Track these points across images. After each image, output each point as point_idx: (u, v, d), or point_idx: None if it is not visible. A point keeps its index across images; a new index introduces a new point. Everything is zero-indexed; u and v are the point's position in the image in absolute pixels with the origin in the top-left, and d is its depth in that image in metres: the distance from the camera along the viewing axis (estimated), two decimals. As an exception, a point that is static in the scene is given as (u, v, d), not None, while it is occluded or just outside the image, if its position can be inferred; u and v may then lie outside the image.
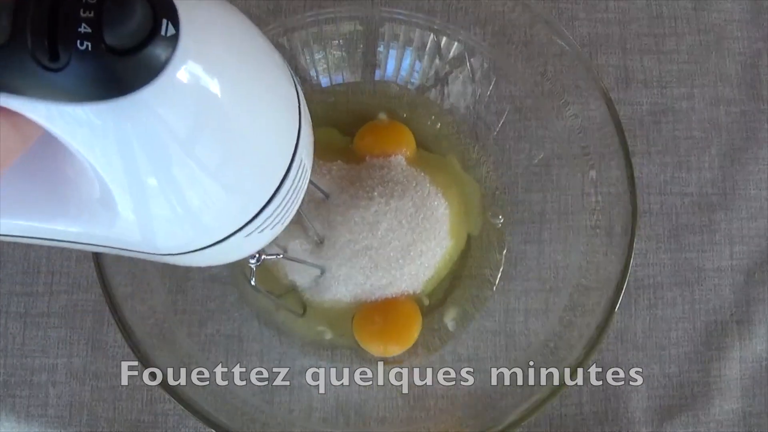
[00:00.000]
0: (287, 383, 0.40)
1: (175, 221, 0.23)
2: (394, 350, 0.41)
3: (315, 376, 0.40)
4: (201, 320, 0.40)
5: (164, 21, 0.19)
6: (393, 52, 0.44)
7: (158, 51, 0.19)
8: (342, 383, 0.40)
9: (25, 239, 0.25)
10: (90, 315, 0.43)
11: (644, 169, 0.46)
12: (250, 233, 0.25)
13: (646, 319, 0.44)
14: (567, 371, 0.35)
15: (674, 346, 0.43)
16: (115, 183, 0.21)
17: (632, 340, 0.43)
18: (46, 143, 0.22)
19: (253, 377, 0.40)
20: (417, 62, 0.44)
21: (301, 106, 0.25)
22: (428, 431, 0.39)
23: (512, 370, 0.39)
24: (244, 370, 0.40)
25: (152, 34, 0.19)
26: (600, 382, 0.43)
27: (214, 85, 0.21)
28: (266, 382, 0.40)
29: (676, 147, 0.46)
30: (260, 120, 0.23)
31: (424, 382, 0.40)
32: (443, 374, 0.40)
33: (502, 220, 0.43)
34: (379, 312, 0.41)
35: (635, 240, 0.37)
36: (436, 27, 0.42)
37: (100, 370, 0.42)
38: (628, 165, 0.37)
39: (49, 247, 0.43)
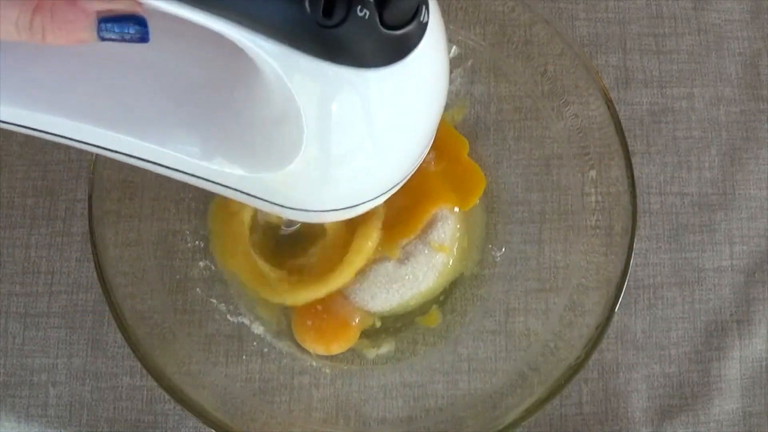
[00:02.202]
0: (287, 383, 0.40)
1: (344, 181, 0.25)
2: (336, 348, 0.41)
3: (315, 376, 0.40)
4: (201, 320, 0.40)
5: (423, 8, 0.21)
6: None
7: (414, 33, 0.21)
8: (342, 383, 0.40)
9: (183, 175, 0.25)
10: (90, 315, 0.43)
11: (644, 169, 0.46)
12: (378, 197, 0.26)
13: (646, 319, 0.44)
14: (567, 371, 0.35)
15: (674, 346, 0.43)
16: (313, 135, 0.22)
17: (632, 340, 0.43)
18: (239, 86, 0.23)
19: (252, 377, 0.40)
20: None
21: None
22: (428, 431, 0.39)
23: (512, 370, 0.39)
24: (244, 369, 0.40)
25: (413, 17, 0.20)
26: (600, 382, 0.43)
27: (434, 70, 0.23)
28: (266, 382, 0.40)
29: (676, 147, 0.46)
30: (438, 105, 0.25)
31: (424, 382, 0.40)
32: (443, 374, 0.40)
33: (503, 252, 0.43)
34: (313, 311, 0.41)
35: (635, 240, 0.37)
36: (436, 27, 0.42)
37: (100, 370, 0.42)
38: (628, 165, 0.37)
39: (50, 245, 0.43)
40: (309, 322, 0.41)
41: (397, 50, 0.21)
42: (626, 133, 0.38)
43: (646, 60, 0.47)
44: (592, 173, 0.40)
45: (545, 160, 0.42)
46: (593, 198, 0.40)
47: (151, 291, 0.38)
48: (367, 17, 0.19)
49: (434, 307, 0.42)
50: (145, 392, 0.42)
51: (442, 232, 0.41)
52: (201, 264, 0.41)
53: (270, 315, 0.42)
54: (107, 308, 0.36)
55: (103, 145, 0.25)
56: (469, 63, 0.43)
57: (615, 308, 0.36)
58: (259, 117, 0.23)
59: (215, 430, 0.34)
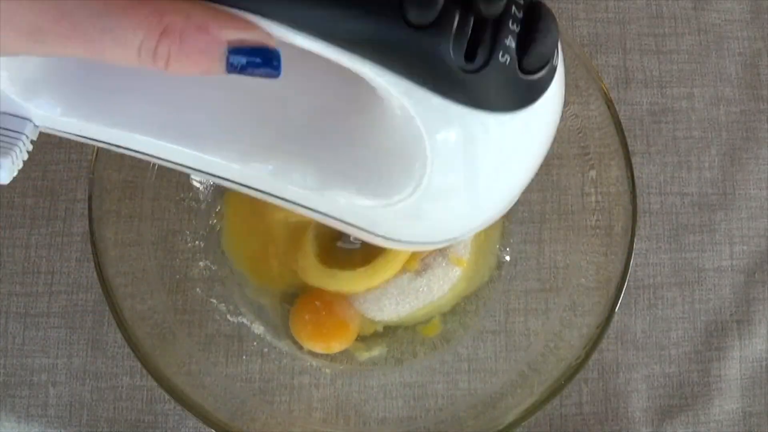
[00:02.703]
0: (287, 383, 0.40)
1: (445, 217, 0.24)
2: (332, 347, 0.41)
3: (315, 376, 0.40)
4: (201, 320, 0.40)
5: (556, 52, 0.21)
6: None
7: (547, 77, 0.21)
8: (342, 383, 0.40)
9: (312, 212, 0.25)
10: (90, 315, 0.43)
11: (644, 169, 0.46)
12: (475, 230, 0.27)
13: (646, 319, 0.44)
14: (567, 371, 0.35)
15: (674, 346, 0.43)
16: (433, 171, 0.22)
17: (632, 340, 0.43)
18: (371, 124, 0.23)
19: (252, 377, 0.40)
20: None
21: None
22: (428, 431, 0.39)
23: (512, 370, 0.39)
24: (244, 369, 0.40)
25: (548, 61, 0.21)
26: (600, 382, 0.43)
27: (557, 111, 0.23)
28: (266, 382, 0.40)
29: (676, 147, 0.46)
30: (546, 144, 0.25)
31: (424, 382, 0.40)
32: (443, 374, 0.40)
33: (509, 251, 0.43)
34: (313, 307, 0.41)
35: (635, 240, 0.37)
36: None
37: (100, 370, 0.42)
38: (628, 165, 0.37)
39: (50, 245, 0.43)
40: (307, 317, 0.41)
41: (530, 94, 0.21)
42: (626, 133, 0.38)
43: (646, 60, 0.47)
44: (592, 173, 0.40)
45: (545, 160, 0.42)
46: (593, 198, 0.40)
47: (151, 291, 0.38)
48: (507, 63, 0.19)
49: (437, 317, 0.42)
50: (145, 392, 0.42)
51: (458, 246, 0.41)
52: (201, 264, 0.41)
53: (272, 310, 0.42)
54: (107, 308, 0.36)
55: (211, 172, 0.24)
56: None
57: (615, 308, 0.36)
58: (377, 147, 0.23)
59: (215, 430, 0.34)
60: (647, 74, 0.47)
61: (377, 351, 0.41)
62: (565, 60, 0.39)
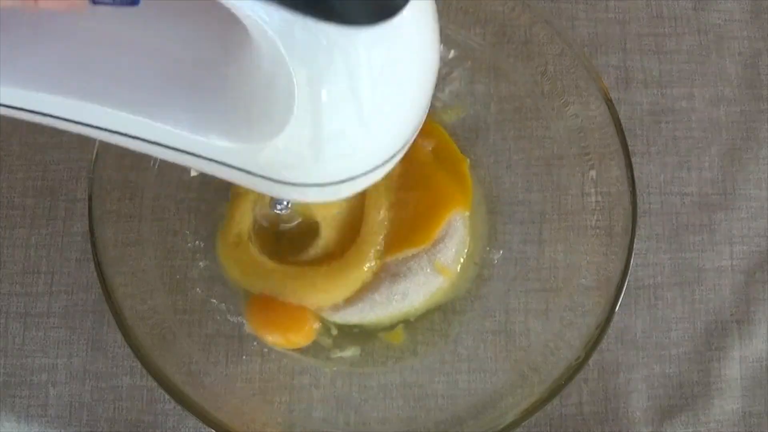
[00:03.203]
0: (287, 383, 0.40)
1: (333, 151, 0.24)
2: (296, 340, 0.40)
3: (315, 376, 0.40)
4: (201, 320, 0.40)
5: None
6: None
7: None
8: (342, 383, 0.40)
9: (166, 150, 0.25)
10: (90, 315, 0.43)
11: (644, 169, 0.46)
12: (377, 169, 0.26)
13: (646, 319, 0.44)
14: (567, 371, 0.35)
15: (674, 346, 0.43)
16: (303, 98, 0.22)
17: (632, 340, 0.43)
18: (221, 55, 0.23)
19: (253, 377, 0.40)
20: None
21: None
22: (428, 431, 0.39)
23: (512, 370, 0.39)
24: (244, 369, 0.40)
25: None
26: (600, 382, 0.43)
27: (423, 35, 0.23)
28: (266, 382, 0.40)
29: (676, 147, 0.46)
30: (429, 72, 0.25)
31: (424, 382, 0.40)
32: (443, 374, 0.40)
33: (503, 252, 0.42)
34: (266, 299, 0.40)
35: (635, 240, 0.37)
36: (436, 27, 0.42)
37: (100, 370, 0.42)
38: (628, 165, 0.37)
39: (50, 245, 0.43)
40: (260, 308, 0.40)
41: (384, 8, 0.21)
42: (626, 133, 0.38)
43: (646, 60, 0.47)
44: (592, 173, 0.40)
45: (545, 160, 0.42)
46: (593, 198, 0.40)
47: (151, 291, 0.38)
48: None
49: (400, 325, 0.41)
50: (145, 392, 0.42)
51: (448, 252, 0.41)
52: (201, 264, 0.41)
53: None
54: (107, 308, 0.36)
55: (94, 123, 0.24)
56: (469, 63, 0.43)
57: (615, 308, 0.36)
58: (250, 87, 0.23)
59: (215, 430, 0.34)
60: (647, 74, 0.47)
61: (349, 352, 0.41)
62: (564, 59, 0.40)
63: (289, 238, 0.42)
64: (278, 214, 0.39)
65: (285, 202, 0.36)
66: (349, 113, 0.23)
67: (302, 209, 0.41)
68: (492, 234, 0.43)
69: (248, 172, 0.26)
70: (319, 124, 0.23)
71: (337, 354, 0.41)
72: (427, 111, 0.26)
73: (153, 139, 0.25)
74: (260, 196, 0.41)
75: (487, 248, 0.43)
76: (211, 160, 0.25)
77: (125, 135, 0.25)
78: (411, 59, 0.23)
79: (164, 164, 0.40)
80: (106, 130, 0.25)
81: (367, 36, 0.21)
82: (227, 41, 0.23)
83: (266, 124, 0.23)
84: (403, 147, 0.26)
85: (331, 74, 0.22)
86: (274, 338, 0.40)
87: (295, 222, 0.41)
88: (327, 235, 0.41)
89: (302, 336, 0.40)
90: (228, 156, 0.25)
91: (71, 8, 0.21)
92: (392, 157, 0.26)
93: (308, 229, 0.41)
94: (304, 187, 0.26)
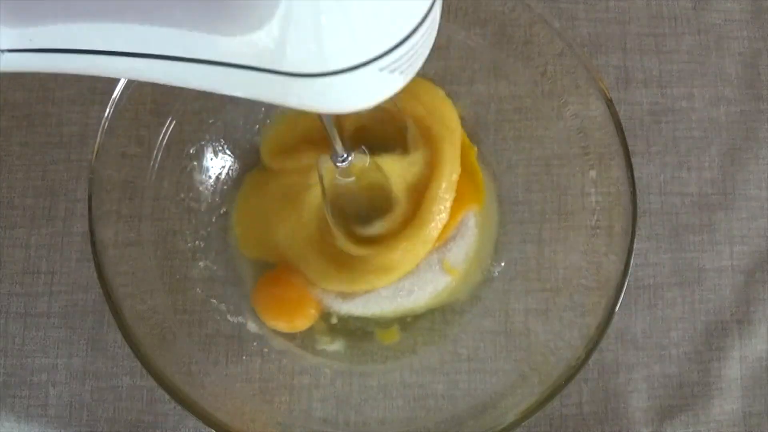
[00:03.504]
0: (287, 383, 0.40)
1: (325, 27, 0.22)
2: (299, 324, 0.41)
3: (315, 376, 0.40)
4: (201, 320, 0.40)
5: None
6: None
7: None
8: (342, 383, 0.40)
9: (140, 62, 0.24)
10: (90, 315, 0.43)
11: (644, 169, 0.46)
12: (383, 68, 0.24)
13: (646, 319, 0.44)
14: (567, 371, 0.35)
15: (674, 346, 0.43)
16: None
17: (632, 340, 0.43)
18: None
19: (252, 377, 0.40)
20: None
21: None
22: (428, 431, 0.39)
23: (512, 370, 0.39)
24: (244, 369, 0.40)
25: None
26: (600, 382, 0.43)
27: None
28: (266, 382, 0.40)
29: (676, 147, 0.46)
30: None
31: (424, 382, 0.40)
32: (443, 374, 0.40)
33: (503, 266, 0.42)
34: (275, 281, 0.41)
35: (635, 240, 0.37)
36: (435, 27, 0.42)
37: (100, 370, 0.42)
38: (628, 165, 0.37)
39: (50, 245, 0.43)
40: (270, 291, 0.41)
41: None
42: (626, 133, 0.38)
43: (646, 60, 0.47)
44: (592, 173, 0.39)
45: (545, 160, 0.42)
46: (593, 198, 0.40)
47: (151, 291, 0.38)
48: None
49: (396, 326, 0.42)
50: (145, 392, 0.42)
51: (459, 252, 0.41)
52: (201, 264, 0.41)
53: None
54: (107, 308, 0.36)
55: (97, 48, 0.24)
56: (469, 63, 0.43)
57: (615, 308, 0.36)
58: None
59: (215, 430, 0.34)
60: (647, 74, 0.47)
61: (337, 346, 0.41)
62: (564, 59, 0.39)
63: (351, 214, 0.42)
64: (338, 167, 0.38)
65: (344, 155, 0.36)
66: None
67: (371, 175, 0.40)
68: (500, 238, 0.43)
69: (257, 69, 0.24)
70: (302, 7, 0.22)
71: (324, 345, 0.41)
72: (424, 11, 0.24)
73: (157, 51, 0.24)
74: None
75: (494, 254, 0.43)
76: (218, 63, 0.24)
77: (131, 54, 0.24)
78: None
79: (164, 164, 0.40)
80: (108, 53, 0.24)
81: None
82: None
83: (260, 6, 0.22)
84: (404, 43, 0.24)
85: None
86: (277, 315, 0.40)
87: (351, 179, 0.39)
88: (402, 204, 0.40)
89: (304, 318, 0.41)
90: (234, 54, 0.24)
91: None
92: (391, 49, 0.24)
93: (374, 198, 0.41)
94: (313, 78, 0.24)
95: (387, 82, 0.25)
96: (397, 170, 0.40)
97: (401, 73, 0.25)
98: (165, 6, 0.23)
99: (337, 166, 0.37)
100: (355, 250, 0.40)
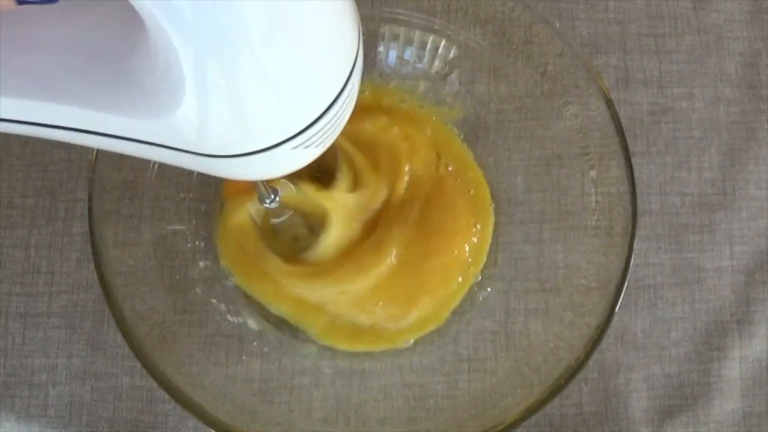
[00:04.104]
0: (287, 383, 0.40)
1: (233, 118, 0.23)
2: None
3: (315, 376, 0.40)
4: (201, 320, 0.40)
5: None
6: (393, 53, 0.44)
7: None
8: (342, 383, 0.40)
9: (60, 131, 0.25)
10: (90, 315, 0.43)
11: (644, 169, 0.46)
12: (296, 146, 0.25)
13: (646, 319, 0.44)
14: (567, 371, 0.35)
15: (674, 346, 0.43)
16: (189, 69, 0.21)
17: (632, 340, 0.43)
18: (109, 28, 0.23)
19: (252, 377, 0.40)
20: (417, 62, 0.44)
21: (358, 23, 0.26)
22: (428, 431, 0.39)
23: (512, 370, 0.39)
24: (244, 370, 0.40)
25: None
26: (600, 382, 0.43)
27: None
28: (266, 382, 0.40)
29: (676, 147, 0.46)
30: (331, 30, 0.23)
31: (424, 382, 0.40)
32: (443, 374, 0.40)
33: (503, 252, 0.43)
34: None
35: (635, 240, 0.37)
36: (436, 27, 0.42)
37: (100, 371, 0.42)
38: (628, 165, 0.37)
39: (51, 245, 0.43)
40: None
41: None
42: (626, 133, 0.38)
43: (646, 60, 0.47)
44: (592, 173, 0.40)
45: (545, 160, 0.42)
46: (593, 198, 0.40)
47: (151, 291, 0.38)
48: None
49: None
50: (145, 392, 0.42)
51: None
52: (201, 264, 0.41)
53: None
54: (107, 308, 0.36)
55: (8, 117, 0.25)
56: (469, 63, 0.43)
57: (615, 308, 0.36)
58: (151, 64, 0.23)
59: (215, 430, 0.34)
60: (647, 74, 0.47)
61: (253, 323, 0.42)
62: (564, 59, 0.39)
63: (294, 238, 0.42)
64: (267, 208, 0.39)
65: (272, 196, 0.36)
66: (240, 74, 0.22)
67: (304, 205, 0.41)
68: (500, 238, 0.43)
69: (166, 147, 0.25)
70: (214, 91, 0.22)
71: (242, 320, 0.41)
72: (346, 78, 0.25)
73: (72, 125, 0.25)
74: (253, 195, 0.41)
75: (495, 254, 0.43)
76: (130, 139, 0.25)
77: (48, 126, 0.25)
78: (302, 9, 0.22)
79: (164, 164, 0.40)
80: (37, 124, 0.25)
81: None
82: (132, 24, 0.23)
83: (167, 99, 0.23)
84: (315, 123, 0.25)
85: (208, 34, 0.21)
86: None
87: (285, 216, 0.41)
88: (337, 231, 0.41)
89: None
90: (145, 132, 0.25)
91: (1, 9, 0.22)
92: (302, 131, 0.25)
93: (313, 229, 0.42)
94: (222, 159, 0.25)
95: (302, 156, 0.26)
96: (333, 196, 0.41)
97: (316, 147, 0.26)
98: (81, 89, 0.24)
99: (265, 207, 0.38)
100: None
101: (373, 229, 0.41)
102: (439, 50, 0.43)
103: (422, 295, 0.41)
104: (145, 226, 0.40)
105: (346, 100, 0.25)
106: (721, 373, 0.43)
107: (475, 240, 0.42)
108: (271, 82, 0.23)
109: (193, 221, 0.42)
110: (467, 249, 0.42)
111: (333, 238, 0.41)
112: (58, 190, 0.45)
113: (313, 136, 0.25)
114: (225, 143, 0.25)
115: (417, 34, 0.43)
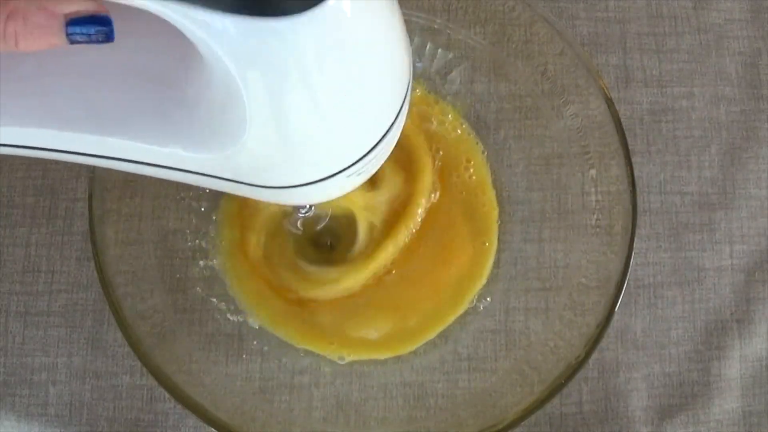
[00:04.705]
0: (287, 383, 0.40)
1: (295, 151, 0.24)
2: None
3: (315, 376, 0.40)
4: (201, 319, 0.40)
5: None
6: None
7: None
8: (342, 383, 0.40)
9: (124, 163, 0.26)
10: (90, 314, 0.43)
11: (644, 168, 0.46)
12: (351, 174, 0.26)
13: (646, 318, 0.44)
14: (567, 370, 0.35)
15: (674, 345, 0.43)
16: (252, 103, 0.22)
17: (632, 339, 0.43)
18: (168, 63, 0.23)
19: (253, 376, 0.40)
20: (417, 62, 0.44)
21: (409, 48, 0.26)
22: (428, 431, 0.39)
23: (512, 369, 0.39)
24: (244, 369, 0.40)
25: None
26: (600, 382, 0.43)
27: (358, 24, 0.21)
28: (266, 382, 0.40)
29: (676, 146, 0.46)
30: (388, 66, 0.24)
31: (424, 382, 0.40)
32: (443, 373, 0.40)
33: (503, 252, 0.43)
34: None
35: (635, 239, 0.37)
36: (436, 26, 0.42)
37: (100, 370, 0.42)
38: (628, 164, 0.37)
39: (51, 244, 0.43)
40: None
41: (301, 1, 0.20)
42: (626, 133, 0.38)
43: (646, 59, 0.47)
44: (592, 172, 0.40)
45: (545, 160, 0.42)
46: (593, 197, 0.40)
47: (151, 290, 0.38)
48: None
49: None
50: (145, 391, 0.42)
51: None
52: (201, 263, 0.41)
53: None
54: (107, 307, 0.36)
55: (74, 150, 0.25)
56: (469, 63, 0.43)
57: (615, 307, 0.36)
58: (208, 98, 0.23)
59: (215, 429, 0.34)
60: (647, 74, 0.47)
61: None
62: (564, 58, 0.39)
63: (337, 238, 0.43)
64: (304, 217, 0.39)
65: (307, 206, 0.37)
66: (302, 111, 0.22)
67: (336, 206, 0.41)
68: (500, 238, 0.43)
69: (221, 178, 0.26)
70: (276, 126, 0.23)
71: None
72: (399, 108, 0.25)
73: (126, 156, 0.25)
74: (280, 209, 0.41)
75: (494, 254, 0.43)
76: (189, 171, 0.26)
77: (104, 157, 0.25)
78: (360, 44, 0.22)
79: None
80: (88, 155, 0.25)
81: (300, 23, 0.20)
82: (187, 57, 0.23)
83: (226, 133, 0.23)
84: (371, 151, 0.25)
85: (271, 71, 0.21)
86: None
87: (324, 222, 0.41)
88: (366, 228, 0.41)
89: None
90: (202, 165, 0.25)
91: (49, 47, 0.22)
92: (359, 159, 0.25)
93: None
94: (278, 189, 0.26)
95: (352, 182, 0.27)
96: (360, 201, 0.41)
97: (366, 173, 0.27)
98: (135, 122, 0.25)
99: (298, 216, 0.39)
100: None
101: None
102: (439, 49, 0.43)
103: (408, 309, 0.41)
104: (145, 225, 0.40)
105: (398, 127, 0.26)
106: (721, 372, 0.43)
107: (470, 265, 0.42)
108: (333, 116, 0.23)
109: (193, 220, 0.42)
110: (459, 273, 0.42)
111: (362, 236, 0.41)
112: (58, 188, 0.45)
113: (368, 163, 0.26)
114: (284, 175, 0.25)
115: (417, 34, 0.43)
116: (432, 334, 0.41)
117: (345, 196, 0.40)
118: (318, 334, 0.41)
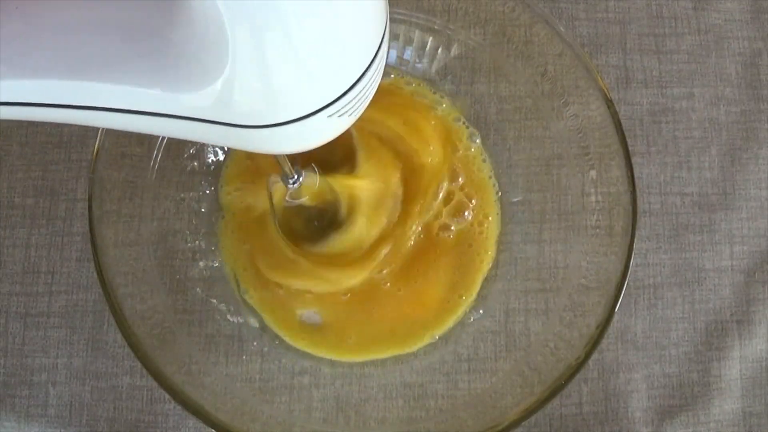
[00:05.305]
0: (287, 383, 0.40)
1: (275, 83, 0.24)
2: None
3: (315, 376, 0.40)
4: (201, 320, 0.40)
5: None
6: (393, 53, 0.44)
7: None
8: (342, 383, 0.40)
9: (98, 113, 0.25)
10: (90, 315, 0.43)
11: (644, 169, 0.46)
12: (332, 114, 0.25)
13: (646, 319, 0.44)
14: (567, 371, 0.35)
15: (674, 346, 0.43)
16: (233, 32, 0.22)
17: (632, 340, 0.43)
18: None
19: (253, 377, 0.40)
20: (417, 62, 0.44)
21: None
22: (428, 431, 0.39)
23: (512, 370, 0.39)
24: (244, 369, 0.40)
25: None
26: (600, 382, 0.43)
27: None
28: (266, 382, 0.40)
29: (676, 147, 0.46)
30: (365, 3, 0.24)
31: (424, 382, 0.40)
32: (443, 374, 0.40)
33: (503, 252, 0.43)
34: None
35: (635, 240, 0.37)
36: (436, 27, 0.42)
37: (100, 370, 0.42)
38: (628, 165, 0.37)
39: (51, 245, 0.43)
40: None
41: None
42: (626, 133, 0.38)
43: (646, 60, 0.47)
44: (592, 173, 0.40)
45: (545, 160, 0.42)
46: (593, 198, 0.40)
47: (151, 291, 0.38)
48: None
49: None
50: (145, 392, 0.42)
51: None
52: (201, 264, 0.41)
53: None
54: (107, 308, 0.36)
55: (53, 102, 0.25)
56: (469, 63, 0.43)
57: (615, 308, 0.36)
58: (191, 36, 0.24)
59: (215, 430, 0.34)
60: (647, 74, 0.47)
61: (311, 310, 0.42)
62: (564, 59, 0.39)
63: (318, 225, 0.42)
64: (289, 188, 0.39)
65: (295, 176, 0.37)
66: (277, 42, 0.22)
67: (324, 194, 0.41)
68: (500, 238, 0.43)
69: (206, 121, 0.25)
70: (255, 59, 0.23)
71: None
72: (378, 46, 0.25)
73: (112, 105, 0.25)
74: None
75: (494, 254, 0.43)
76: (175, 116, 0.25)
77: (90, 108, 0.25)
78: None
79: (164, 164, 0.40)
80: (74, 107, 0.25)
81: None
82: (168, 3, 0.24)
83: (209, 68, 0.23)
84: (351, 90, 0.25)
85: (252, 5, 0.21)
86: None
87: (302, 199, 0.41)
88: (359, 221, 0.41)
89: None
90: (185, 107, 0.25)
91: None
92: (338, 98, 0.25)
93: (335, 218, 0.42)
94: (259, 130, 0.26)
95: (335, 125, 0.27)
96: (348, 189, 0.41)
97: (349, 115, 0.26)
98: (119, 66, 0.25)
99: (288, 188, 0.38)
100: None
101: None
102: (439, 50, 0.43)
103: (401, 319, 0.42)
104: (145, 226, 0.40)
105: (377, 67, 0.26)
106: (720, 373, 0.43)
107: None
108: (314, 48, 0.23)
109: (193, 221, 0.42)
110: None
111: (358, 226, 0.41)
112: (58, 189, 0.45)
113: (348, 103, 0.26)
114: (264, 111, 0.25)
115: (417, 34, 0.43)
116: (429, 340, 0.41)
117: (337, 182, 0.41)
118: (318, 334, 0.41)
